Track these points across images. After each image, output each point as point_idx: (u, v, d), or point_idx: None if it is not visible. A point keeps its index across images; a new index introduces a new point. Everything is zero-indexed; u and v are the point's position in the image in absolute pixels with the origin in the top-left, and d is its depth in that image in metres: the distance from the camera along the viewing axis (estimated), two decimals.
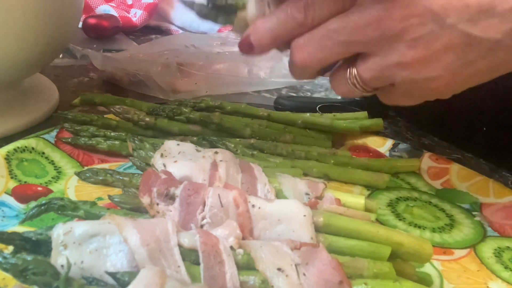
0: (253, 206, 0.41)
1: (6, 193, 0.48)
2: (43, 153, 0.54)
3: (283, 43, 0.44)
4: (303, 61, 0.42)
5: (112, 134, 0.56)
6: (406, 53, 0.39)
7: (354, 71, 0.42)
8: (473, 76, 0.41)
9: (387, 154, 0.62)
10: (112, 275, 0.34)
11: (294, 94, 0.82)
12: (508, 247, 0.49)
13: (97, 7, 1.04)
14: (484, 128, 0.72)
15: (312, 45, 0.42)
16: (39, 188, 0.50)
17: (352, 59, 0.43)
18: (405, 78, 0.41)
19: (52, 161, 0.54)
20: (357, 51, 0.41)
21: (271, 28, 0.43)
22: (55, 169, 0.53)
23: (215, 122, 0.59)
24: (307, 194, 0.47)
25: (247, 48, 0.44)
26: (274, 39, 0.43)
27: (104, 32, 0.96)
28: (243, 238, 0.39)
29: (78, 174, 0.51)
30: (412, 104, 0.45)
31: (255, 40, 0.44)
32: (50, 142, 0.55)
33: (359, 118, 0.66)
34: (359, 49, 0.41)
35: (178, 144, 0.51)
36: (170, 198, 0.43)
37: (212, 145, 0.55)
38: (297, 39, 0.42)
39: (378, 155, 0.62)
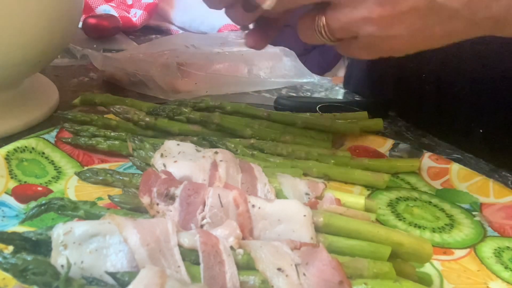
0: (253, 206, 0.41)
1: (6, 193, 0.48)
2: (43, 153, 0.54)
3: None
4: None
5: (112, 134, 0.56)
6: (374, 9, 0.42)
7: (323, 19, 0.44)
8: (428, 40, 0.44)
9: (387, 154, 0.62)
10: (112, 275, 0.34)
11: (294, 94, 0.82)
12: (508, 247, 0.49)
13: (97, 7, 1.04)
14: (481, 130, 0.72)
15: None
16: (39, 188, 0.50)
17: (321, 8, 0.44)
18: (369, 33, 0.43)
19: (52, 161, 0.54)
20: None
21: None
22: (55, 169, 0.53)
23: (215, 122, 0.59)
24: (307, 194, 0.47)
25: None
26: None
27: (104, 32, 0.96)
28: (243, 238, 0.39)
29: (78, 174, 0.51)
30: (368, 58, 0.48)
31: None
32: (50, 142, 0.55)
33: (359, 118, 0.66)
34: None
35: (178, 144, 0.51)
36: (170, 198, 0.43)
37: (212, 145, 0.55)
38: None
39: (378, 155, 0.62)
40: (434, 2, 0.41)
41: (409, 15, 0.42)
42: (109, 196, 0.45)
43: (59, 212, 0.41)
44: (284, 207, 0.42)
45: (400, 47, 0.45)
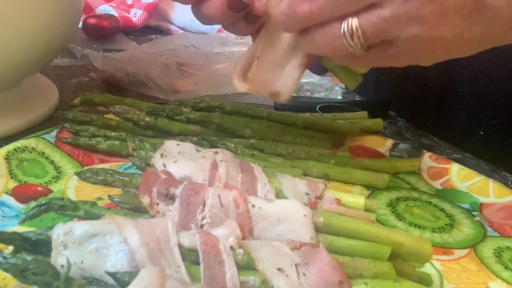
0: (253, 206, 0.41)
1: (6, 193, 0.48)
2: (43, 153, 0.54)
3: None
4: (306, 12, 0.39)
5: (112, 134, 0.56)
6: (425, 6, 0.37)
7: (355, 22, 0.39)
8: (467, 44, 0.40)
9: (387, 154, 0.62)
10: (112, 275, 0.34)
11: (294, 94, 0.82)
12: (508, 247, 0.49)
13: (97, 7, 1.04)
14: (481, 132, 0.72)
15: None
16: (39, 188, 0.50)
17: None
18: (414, 34, 0.38)
19: (52, 161, 0.54)
20: (368, 3, 0.38)
21: None
22: (55, 169, 0.53)
23: (215, 122, 0.59)
24: (307, 194, 0.47)
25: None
26: None
27: (104, 32, 0.96)
28: (243, 238, 0.39)
29: (78, 174, 0.51)
30: (402, 65, 0.43)
31: None
32: (50, 142, 0.55)
33: (359, 118, 0.66)
34: None
35: (178, 144, 0.51)
36: (170, 198, 0.43)
37: (212, 145, 0.55)
38: None
39: (378, 155, 0.62)
40: (480, 0, 0.37)
41: (454, 14, 0.37)
42: (109, 196, 0.45)
43: (59, 212, 0.41)
44: (284, 207, 0.42)
45: (440, 52, 0.41)
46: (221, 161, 0.49)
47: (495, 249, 0.49)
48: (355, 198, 0.48)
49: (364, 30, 0.39)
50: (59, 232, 0.35)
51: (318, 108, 0.70)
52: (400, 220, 0.52)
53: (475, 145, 0.69)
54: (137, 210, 0.43)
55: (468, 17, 0.38)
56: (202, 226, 0.41)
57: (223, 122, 0.59)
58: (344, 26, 0.39)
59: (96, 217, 0.40)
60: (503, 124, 0.71)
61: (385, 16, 0.37)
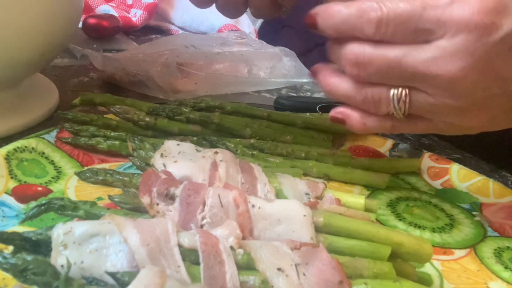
0: (253, 206, 0.41)
1: (6, 193, 0.48)
2: (43, 153, 0.54)
3: (341, 36, 0.42)
4: (356, 77, 0.42)
5: (112, 134, 0.56)
6: (466, 106, 0.41)
7: (405, 92, 0.42)
8: (502, 125, 0.44)
9: (387, 154, 0.62)
10: (112, 275, 0.34)
11: (294, 94, 0.82)
12: (508, 247, 0.49)
13: (97, 7, 1.04)
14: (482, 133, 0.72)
15: (376, 66, 0.41)
16: (39, 188, 0.50)
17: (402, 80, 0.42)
18: (450, 120, 0.43)
19: (52, 161, 0.54)
20: (419, 86, 0.41)
21: (342, 14, 0.41)
22: (55, 169, 0.53)
23: (215, 122, 0.59)
24: (307, 194, 0.47)
25: (311, 23, 0.43)
26: (337, 31, 0.42)
27: (104, 32, 0.96)
28: (243, 238, 0.39)
29: (78, 174, 0.51)
30: (432, 132, 0.46)
31: (320, 21, 0.42)
32: (50, 142, 0.55)
33: None
34: (422, 85, 0.41)
35: (178, 144, 0.51)
36: (170, 198, 0.43)
37: (212, 145, 0.55)
38: (356, 49, 0.41)
39: (378, 155, 0.62)
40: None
41: (494, 111, 0.41)
42: (109, 196, 0.45)
43: (59, 212, 0.41)
44: (284, 207, 0.42)
45: (472, 131, 0.45)
46: (221, 161, 0.49)
47: (495, 249, 0.49)
48: (355, 198, 0.48)
49: (413, 102, 0.42)
50: (59, 232, 0.35)
51: (318, 108, 0.70)
52: (400, 220, 0.52)
53: (475, 145, 0.69)
54: (137, 210, 0.43)
55: (507, 109, 0.41)
56: (202, 226, 0.41)
57: (223, 122, 0.59)
58: (395, 91, 0.42)
59: (96, 217, 0.40)
60: None
61: (433, 100, 0.41)
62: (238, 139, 0.58)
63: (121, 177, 0.49)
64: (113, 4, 1.05)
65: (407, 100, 0.42)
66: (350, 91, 0.44)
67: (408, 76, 0.40)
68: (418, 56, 0.39)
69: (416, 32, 0.39)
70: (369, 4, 0.40)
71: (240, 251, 0.37)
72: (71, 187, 0.51)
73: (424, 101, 0.42)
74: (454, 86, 0.40)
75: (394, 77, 0.41)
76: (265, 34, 1.09)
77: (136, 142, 0.54)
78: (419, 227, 0.51)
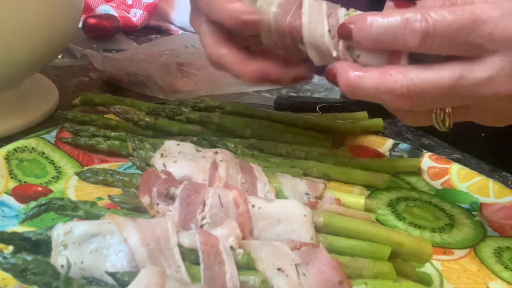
0: (253, 206, 0.41)
1: (6, 193, 0.48)
2: (43, 153, 0.54)
3: (381, 51, 0.40)
4: (406, 105, 0.39)
5: (112, 134, 0.56)
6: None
7: (449, 110, 0.41)
8: None
9: (387, 154, 0.62)
10: (112, 275, 0.34)
11: (294, 94, 0.82)
12: (508, 247, 0.49)
13: (97, 7, 1.04)
14: (483, 134, 0.72)
15: (429, 95, 0.38)
16: (39, 188, 0.50)
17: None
18: (491, 122, 0.43)
19: (52, 161, 0.54)
20: (469, 105, 0.40)
21: (381, 24, 0.38)
22: (55, 169, 0.53)
23: (215, 122, 0.59)
24: (307, 194, 0.47)
25: (345, 33, 0.41)
26: (375, 42, 0.39)
27: (104, 32, 0.96)
28: (243, 238, 0.39)
29: (78, 174, 0.51)
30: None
31: (356, 31, 0.39)
32: (50, 142, 0.55)
33: (359, 118, 0.66)
34: (473, 104, 0.40)
35: (178, 144, 0.51)
36: (170, 198, 0.43)
37: (212, 145, 0.55)
38: (404, 81, 0.38)
39: (378, 155, 0.62)
40: None
41: None
42: (109, 196, 0.45)
43: (59, 212, 0.41)
44: (284, 207, 0.42)
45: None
46: (221, 161, 0.49)
47: (495, 249, 0.49)
48: (355, 198, 0.48)
49: (455, 116, 0.41)
50: (59, 232, 0.35)
51: (318, 108, 0.70)
52: (400, 220, 0.52)
53: (475, 145, 0.69)
54: (137, 210, 0.43)
55: None
56: (202, 226, 0.41)
57: (223, 122, 0.59)
58: (438, 110, 0.41)
59: (96, 217, 0.40)
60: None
61: (475, 114, 0.41)
62: (238, 139, 0.58)
63: (121, 177, 0.49)
64: (113, 4, 1.05)
65: (451, 116, 0.41)
66: (388, 90, 0.40)
67: (462, 98, 0.39)
68: (473, 77, 0.37)
69: (465, 45, 0.37)
70: (413, 14, 0.37)
71: (240, 251, 0.37)
72: (71, 187, 0.51)
73: (469, 115, 0.41)
74: (510, 101, 0.38)
75: (447, 102, 0.40)
76: None
77: (136, 142, 0.53)
78: (419, 227, 0.51)
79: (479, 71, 0.37)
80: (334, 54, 0.42)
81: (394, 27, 0.38)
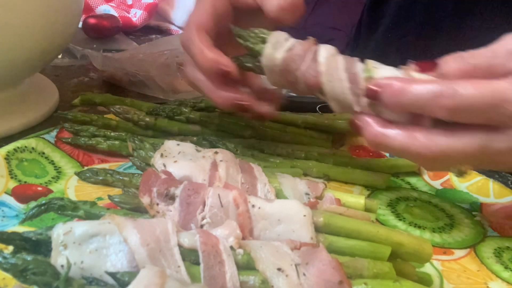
0: (253, 206, 0.41)
1: (6, 193, 0.48)
2: (43, 153, 0.54)
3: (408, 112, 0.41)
4: (429, 165, 0.44)
5: (112, 134, 0.56)
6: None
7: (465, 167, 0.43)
8: None
9: (387, 154, 0.62)
10: (112, 275, 0.34)
11: (294, 94, 0.82)
12: (508, 247, 0.49)
13: (97, 7, 1.04)
14: None
15: (454, 159, 0.41)
16: (39, 188, 0.50)
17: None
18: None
19: (52, 161, 0.54)
20: None
21: (411, 95, 0.40)
22: (55, 169, 0.53)
23: (215, 122, 0.59)
24: (307, 194, 0.47)
25: (372, 95, 0.42)
26: (402, 108, 0.41)
27: (104, 32, 0.96)
28: (243, 238, 0.39)
29: (78, 174, 0.51)
30: None
31: (384, 97, 0.41)
32: (50, 142, 0.55)
33: None
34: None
35: (178, 144, 0.51)
36: (170, 198, 0.43)
37: (212, 145, 0.55)
38: (434, 147, 0.40)
39: (378, 155, 0.62)
40: None
41: None
42: (109, 196, 0.45)
43: (59, 212, 0.41)
44: (284, 207, 0.42)
45: None
46: (221, 161, 0.49)
47: (495, 249, 0.49)
48: (355, 198, 0.48)
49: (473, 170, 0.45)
50: (59, 232, 0.35)
51: (318, 108, 0.70)
52: (400, 220, 0.52)
53: None
54: (137, 210, 0.43)
55: None
56: (202, 226, 0.41)
57: (223, 122, 0.59)
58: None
59: (96, 217, 0.40)
60: None
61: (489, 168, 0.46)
62: (238, 139, 0.58)
63: (121, 177, 0.49)
64: (113, 4, 1.05)
65: (469, 168, 0.42)
66: (418, 147, 0.41)
67: (482, 162, 0.41)
68: (495, 146, 0.39)
69: (489, 120, 0.39)
70: (441, 88, 0.39)
71: (240, 251, 0.37)
72: (71, 187, 0.51)
73: (487, 167, 0.45)
74: None
75: (469, 164, 0.42)
76: None
77: (136, 142, 0.54)
78: (419, 227, 0.51)
79: (501, 142, 0.39)
80: (357, 109, 0.43)
81: (424, 100, 0.39)
